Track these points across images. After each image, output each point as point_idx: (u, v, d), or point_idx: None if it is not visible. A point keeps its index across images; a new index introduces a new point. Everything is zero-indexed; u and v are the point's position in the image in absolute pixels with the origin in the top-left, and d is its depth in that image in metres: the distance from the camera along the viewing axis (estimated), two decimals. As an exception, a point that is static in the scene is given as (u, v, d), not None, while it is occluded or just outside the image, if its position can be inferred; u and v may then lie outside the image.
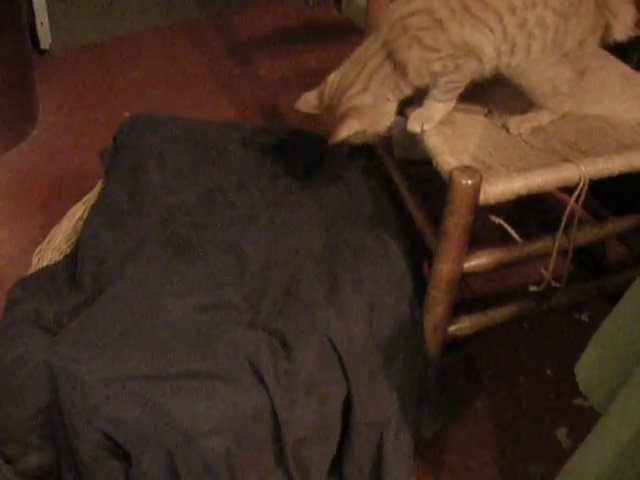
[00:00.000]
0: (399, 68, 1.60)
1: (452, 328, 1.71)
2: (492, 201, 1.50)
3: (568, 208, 1.60)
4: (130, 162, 1.85)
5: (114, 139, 1.94)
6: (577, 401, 1.86)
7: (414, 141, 1.66)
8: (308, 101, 1.69)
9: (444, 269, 1.57)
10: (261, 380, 1.46)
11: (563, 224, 1.63)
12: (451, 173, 1.47)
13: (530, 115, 1.68)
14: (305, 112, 1.70)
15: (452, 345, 1.79)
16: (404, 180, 1.83)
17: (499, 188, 1.49)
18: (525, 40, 1.57)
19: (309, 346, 1.51)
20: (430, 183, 1.73)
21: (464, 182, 1.45)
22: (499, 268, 1.66)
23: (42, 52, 2.78)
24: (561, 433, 1.81)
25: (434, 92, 1.65)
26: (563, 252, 1.70)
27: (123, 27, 2.97)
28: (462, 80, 1.63)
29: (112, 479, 1.46)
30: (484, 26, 1.55)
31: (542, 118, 1.68)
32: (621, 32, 1.66)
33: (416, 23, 1.57)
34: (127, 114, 2.52)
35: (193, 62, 2.83)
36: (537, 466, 1.75)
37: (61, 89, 2.69)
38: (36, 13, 2.68)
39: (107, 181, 1.85)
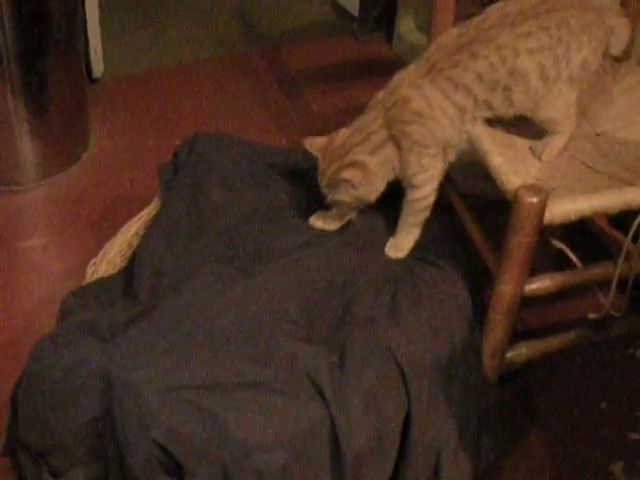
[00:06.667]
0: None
1: (510, 354, 1.69)
2: (557, 221, 1.48)
3: (630, 233, 1.58)
4: (191, 179, 1.86)
5: (174, 155, 1.95)
6: (633, 435, 1.82)
7: (475, 174, 1.66)
8: (317, 142, 1.74)
9: (505, 290, 1.55)
10: (320, 394, 1.44)
11: (624, 250, 1.61)
12: (517, 191, 1.45)
13: (547, 140, 1.67)
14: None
15: (507, 376, 1.78)
16: (464, 208, 1.82)
17: (564, 208, 1.48)
18: (500, 96, 1.60)
19: (369, 360, 1.49)
20: (489, 218, 1.73)
21: (530, 200, 1.43)
22: (559, 292, 1.64)
23: (94, 80, 2.81)
24: (617, 467, 1.76)
25: (408, 217, 1.72)
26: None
27: (173, 58, 3.00)
28: (435, 190, 1.69)
29: (162, 495, 1.44)
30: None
31: (560, 142, 1.67)
32: (617, 48, 1.67)
33: (397, 116, 1.64)
34: (177, 142, 2.52)
35: (243, 94, 2.85)
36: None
37: (112, 116, 2.72)
38: (90, 41, 2.71)
39: (166, 197, 1.86)
